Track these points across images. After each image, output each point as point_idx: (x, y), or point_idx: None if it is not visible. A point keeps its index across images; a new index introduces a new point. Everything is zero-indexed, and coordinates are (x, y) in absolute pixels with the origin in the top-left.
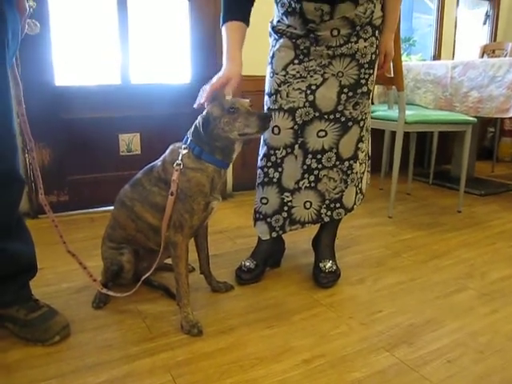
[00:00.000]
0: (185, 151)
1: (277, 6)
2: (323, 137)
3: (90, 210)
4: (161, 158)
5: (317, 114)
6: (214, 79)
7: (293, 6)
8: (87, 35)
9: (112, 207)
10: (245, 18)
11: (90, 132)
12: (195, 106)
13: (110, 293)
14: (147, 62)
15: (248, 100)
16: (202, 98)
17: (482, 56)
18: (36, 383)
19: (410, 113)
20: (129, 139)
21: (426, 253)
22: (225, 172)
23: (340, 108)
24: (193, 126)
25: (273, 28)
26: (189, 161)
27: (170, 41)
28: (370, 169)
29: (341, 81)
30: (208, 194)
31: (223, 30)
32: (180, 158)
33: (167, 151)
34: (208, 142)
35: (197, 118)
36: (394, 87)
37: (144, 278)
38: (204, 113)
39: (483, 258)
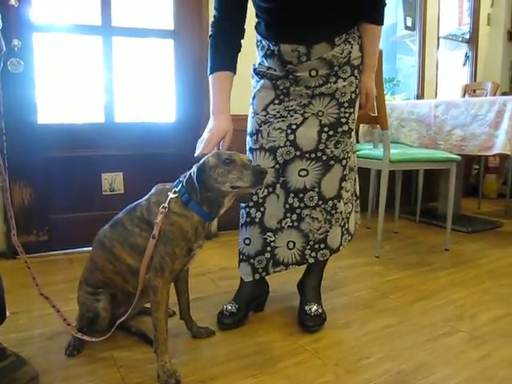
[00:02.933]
0: (173, 195)
1: (257, 48)
2: (305, 176)
3: (71, 251)
4: (145, 198)
5: (298, 153)
6: (207, 133)
7: (271, 48)
8: (71, 73)
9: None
10: (233, 67)
11: (73, 171)
12: (197, 154)
13: (85, 337)
14: (132, 100)
15: (246, 156)
16: (199, 149)
17: (464, 95)
18: None
19: (395, 151)
20: (112, 178)
21: (414, 293)
22: (209, 224)
23: (321, 147)
24: (187, 173)
25: (254, 70)
26: (175, 206)
27: (155, 80)
28: (358, 209)
29: (321, 120)
30: (191, 240)
31: (211, 79)
32: (167, 202)
33: (153, 190)
34: (200, 191)
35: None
36: (378, 126)
37: (119, 322)
38: (200, 162)
39: (473, 298)
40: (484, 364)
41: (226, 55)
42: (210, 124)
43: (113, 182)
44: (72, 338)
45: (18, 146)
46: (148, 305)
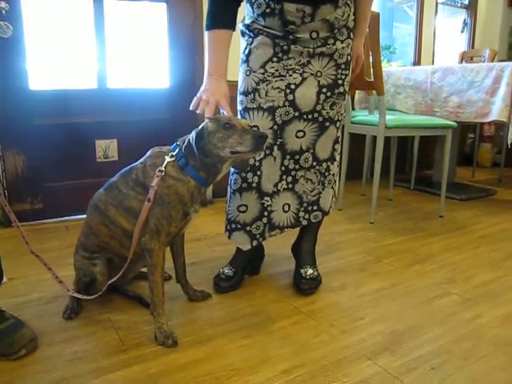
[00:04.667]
0: (170, 159)
1: (251, 6)
2: (301, 137)
3: (66, 218)
4: (141, 160)
5: (296, 114)
6: (203, 96)
7: (272, 6)
8: (62, 38)
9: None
10: (233, 25)
11: (66, 138)
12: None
13: (77, 295)
14: (125, 66)
15: (246, 120)
16: (196, 106)
17: (461, 62)
18: None
19: (391, 117)
20: (106, 145)
21: (408, 258)
22: (205, 189)
23: (318, 108)
24: (186, 138)
25: (247, 27)
26: (172, 169)
27: (149, 44)
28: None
29: (319, 81)
30: (187, 205)
31: (208, 36)
32: (164, 165)
33: (149, 153)
34: (198, 157)
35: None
36: (374, 92)
37: (111, 281)
38: (199, 127)
39: (466, 262)
40: (474, 324)
41: (224, 11)
42: (207, 85)
43: (107, 148)
44: (70, 301)
45: (9, 113)
46: (145, 269)
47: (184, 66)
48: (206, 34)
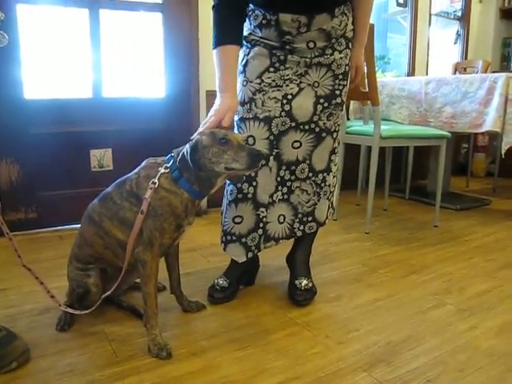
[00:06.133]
0: (164, 170)
1: (248, 18)
2: (298, 148)
3: (60, 228)
4: (135, 171)
5: (293, 124)
6: (212, 112)
7: (268, 17)
8: (58, 47)
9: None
10: (239, 40)
11: (61, 147)
12: (193, 137)
13: (70, 310)
14: (120, 75)
15: (243, 135)
16: (201, 129)
17: (455, 73)
18: None
19: (386, 127)
20: (100, 155)
21: (404, 268)
22: (199, 201)
23: (315, 118)
24: (180, 151)
25: (245, 38)
26: (165, 181)
27: (144, 54)
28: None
29: (317, 91)
30: (181, 217)
31: (215, 53)
32: (157, 177)
33: (143, 164)
34: (192, 170)
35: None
36: (369, 103)
37: (105, 295)
38: (193, 140)
39: (460, 272)
40: (470, 335)
41: (231, 27)
42: (217, 102)
43: (101, 158)
44: (63, 313)
45: (4, 121)
46: (139, 280)
47: (180, 75)
48: (214, 52)
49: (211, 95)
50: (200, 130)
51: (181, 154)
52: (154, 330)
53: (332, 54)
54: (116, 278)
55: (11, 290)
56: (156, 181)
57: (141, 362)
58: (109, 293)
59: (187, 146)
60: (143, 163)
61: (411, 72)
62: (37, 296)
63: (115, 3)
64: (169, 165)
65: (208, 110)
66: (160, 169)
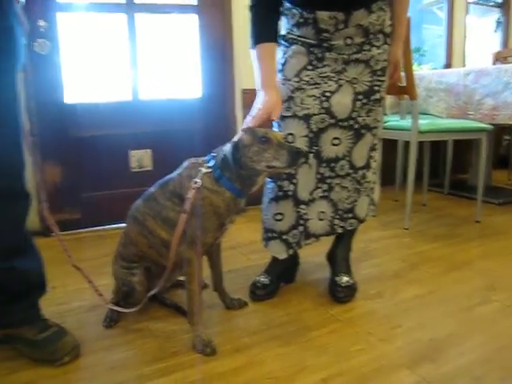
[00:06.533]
0: (206, 170)
1: (286, 17)
2: (337, 145)
3: (102, 228)
4: (177, 172)
5: (332, 122)
6: (255, 110)
7: (305, 16)
8: (97, 52)
9: (124, 223)
10: (276, 37)
11: (101, 149)
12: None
13: (117, 308)
14: (158, 77)
15: (283, 133)
16: (245, 125)
17: (495, 63)
18: None
19: (424, 122)
20: (140, 155)
21: (445, 265)
22: (241, 200)
23: (354, 115)
24: (221, 150)
25: (282, 37)
26: (207, 181)
27: (180, 55)
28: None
29: (355, 87)
30: (223, 216)
31: (254, 52)
32: (199, 177)
33: (184, 165)
34: (234, 169)
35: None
36: (406, 97)
37: (150, 294)
38: (235, 139)
39: (504, 268)
40: None
41: (268, 25)
42: (259, 99)
43: (141, 158)
44: (109, 311)
45: (47, 125)
46: (182, 277)
47: (215, 75)
48: (252, 51)
49: (247, 94)
50: (249, 124)
51: (222, 152)
52: (198, 327)
53: (370, 50)
54: (160, 276)
55: (59, 288)
56: (198, 180)
57: (185, 358)
58: (154, 291)
59: (228, 144)
60: (185, 163)
61: (449, 64)
62: (83, 294)
63: (151, 7)
64: (210, 164)
65: (244, 109)
66: (201, 168)
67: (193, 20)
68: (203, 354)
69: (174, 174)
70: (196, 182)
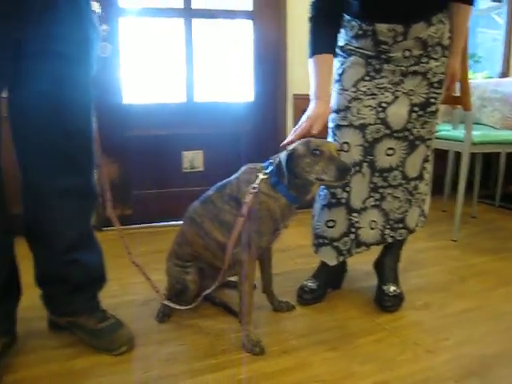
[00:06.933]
0: (263, 176)
1: (344, 29)
2: (391, 155)
3: (152, 225)
4: (235, 176)
5: (387, 132)
6: (304, 118)
7: (364, 28)
8: (154, 55)
9: (174, 222)
10: (334, 49)
11: (155, 148)
12: (283, 144)
13: (172, 305)
14: (211, 80)
15: (337, 144)
16: (291, 136)
17: None
18: None
19: (477, 133)
20: (192, 156)
21: (494, 279)
22: (296, 206)
23: (409, 126)
24: (277, 157)
25: (341, 48)
26: (264, 186)
27: (234, 60)
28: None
29: (411, 99)
30: (278, 221)
31: (311, 62)
32: (257, 182)
33: (242, 170)
34: (288, 177)
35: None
36: (459, 106)
37: (205, 293)
38: (290, 148)
39: None
40: None
41: (327, 37)
42: (310, 108)
43: (193, 159)
44: (162, 306)
45: (105, 125)
46: (231, 278)
47: (268, 79)
48: (309, 61)
49: (298, 99)
50: (291, 136)
51: (277, 159)
52: (248, 327)
53: (428, 63)
54: (211, 276)
55: (113, 281)
56: (256, 185)
57: (235, 356)
58: (208, 291)
59: (284, 153)
60: (243, 168)
61: (505, 72)
62: (136, 288)
63: (208, 12)
64: (268, 171)
65: (295, 113)
66: (259, 174)
67: (247, 25)
68: (252, 354)
69: (232, 178)
70: (254, 187)
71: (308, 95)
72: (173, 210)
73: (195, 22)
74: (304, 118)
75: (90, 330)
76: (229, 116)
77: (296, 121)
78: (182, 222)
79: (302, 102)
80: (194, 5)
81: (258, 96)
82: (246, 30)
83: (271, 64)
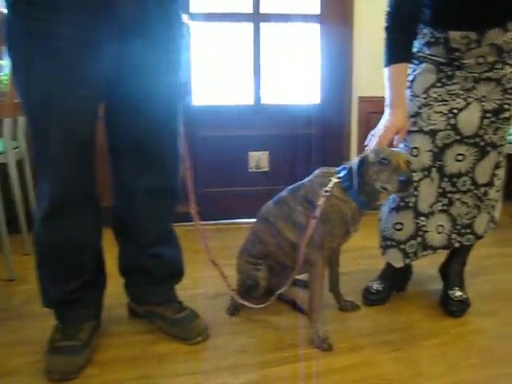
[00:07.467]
0: (336, 180)
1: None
2: (461, 161)
3: (218, 222)
4: (308, 178)
5: (457, 138)
6: (381, 126)
7: (436, 35)
8: (223, 59)
9: (239, 220)
10: (410, 57)
11: (222, 149)
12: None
13: (246, 303)
14: (278, 83)
15: (407, 155)
16: (369, 142)
17: None
18: (182, 376)
19: None
20: (258, 157)
21: None
22: (366, 211)
23: (481, 133)
24: (350, 163)
25: (412, 55)
26: (336, 190)
27: (300, 63)
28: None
29: (484, 105)
30: (348, 223)
31: (387, 71)
32: (330, 186)
33: (316, 173)
34: (358, 183)
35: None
36: None
37: (278, 292)
38: (362, 155)
39: None
40: None
41: (403, 46)
42: (385, 117)
43: (259, 160)
44: (233, 300)
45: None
46: (298, 276)
47: (334, 82)
48: (385, 69)
49: (363, 101)
50: (373, 144)
51: (350, 165)
52: (316, 324)
53: (502, 69)
54: (279, 274)
55: (185, 275)
56: (329, 189)
57: (303, 350)
58: (281, 290)
59: (357, 158)
60: (316, 171)
61: None
62: (206, 282)
63: (276, 17)
64: (341, 175)
65: (360, 116)
66: (332, 178)
67: (315, 29)
68: (320, 349)
69: (306, 181)
70: (327, 191)
71: (373, 98)
72: (238, 208)
73: (263, 25)
74: (381, 126)
75: (168, 319)
76: (294, 118)
77: (361, 123)
78: (254, 221)
79: (367, 104)
80: (262, 9)
81: (324, 98)
82: (312, 33)
83: (337, 67)
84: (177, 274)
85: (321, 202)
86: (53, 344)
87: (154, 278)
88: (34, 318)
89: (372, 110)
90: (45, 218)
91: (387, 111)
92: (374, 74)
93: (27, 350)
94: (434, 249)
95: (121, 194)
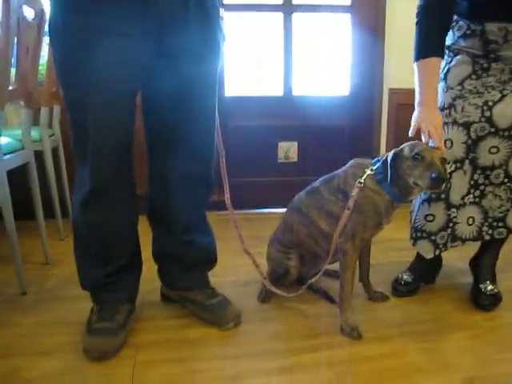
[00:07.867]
0: (370, 172)
1: (452, 29)
2: (495, 153)
3: (246, 211)
4: (343, 169)
5: (492, 130)
6: (421, 124)
7: (472, 28)
8: (253, 49)
9: (268, 209)
10: (442, 52)
11: (252, 139)
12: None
13: (278, 291)
14: (308, 74)
15: (441, 151)
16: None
17: None
18: (216, 359)
19: None
20: (287, 147)
21: None
22: (398, 204)
23: None
24: (385, 155)
25: (447, 48)
26: (370, 182)
27: (331, 54)
28: None
29: None
30: (381, 215)
31: (418, 66)
32: (363, 177)
33: (350, 164)
34: (391, 175)
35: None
36: None
37: (309, 282)
38: (398, 148)
39: None
40: None
41: (436, 40)
42: (422, 114)
43: (288, 150)
44: (263, 287)
45: None
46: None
47: (364, 73)
48: (415, 64)
49: (393, 93)
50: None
51: (385, 157)
52: (346, 313)
53: None
54: (309, 263)
55: None
56: (362, 180)
57: (333, 339)
58: (313, 280)
59: (392, 151)
60: (351, 162)
61: None
62: (236, 270)
63: (307, 7)
64: (375, 167)
65: (390, 108)
66: (366, 170)
67: (346, 19)
68: (350, 338)
69: (340, 171)
70: (360, 182)
71: (403, 90)
72: (267, 197)
73: (294, 16)
74: (423, 124)
75: (200, 304)
76: (324, 109)
77: (391, 115)
78: (285, 211)
79: (397, 96)
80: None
81: (355, 90)
82: (343, 23)
83: (368, 58)
84: (209, 261)
85: (354, 192)
86: (90, 325)
87: (187, 264)
88: (68, 300)
89: (402, 101)
90: (84, 203)
91: (422, 108)
92: (405, 66)
93: (64, 330)
94: (464, 240)
95: (156, 181)
